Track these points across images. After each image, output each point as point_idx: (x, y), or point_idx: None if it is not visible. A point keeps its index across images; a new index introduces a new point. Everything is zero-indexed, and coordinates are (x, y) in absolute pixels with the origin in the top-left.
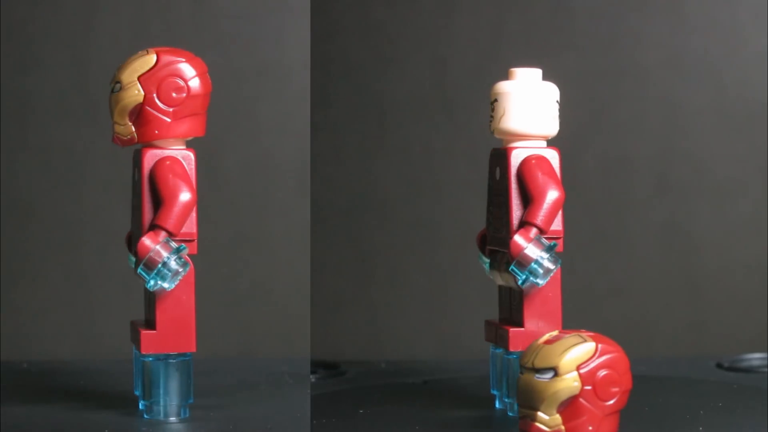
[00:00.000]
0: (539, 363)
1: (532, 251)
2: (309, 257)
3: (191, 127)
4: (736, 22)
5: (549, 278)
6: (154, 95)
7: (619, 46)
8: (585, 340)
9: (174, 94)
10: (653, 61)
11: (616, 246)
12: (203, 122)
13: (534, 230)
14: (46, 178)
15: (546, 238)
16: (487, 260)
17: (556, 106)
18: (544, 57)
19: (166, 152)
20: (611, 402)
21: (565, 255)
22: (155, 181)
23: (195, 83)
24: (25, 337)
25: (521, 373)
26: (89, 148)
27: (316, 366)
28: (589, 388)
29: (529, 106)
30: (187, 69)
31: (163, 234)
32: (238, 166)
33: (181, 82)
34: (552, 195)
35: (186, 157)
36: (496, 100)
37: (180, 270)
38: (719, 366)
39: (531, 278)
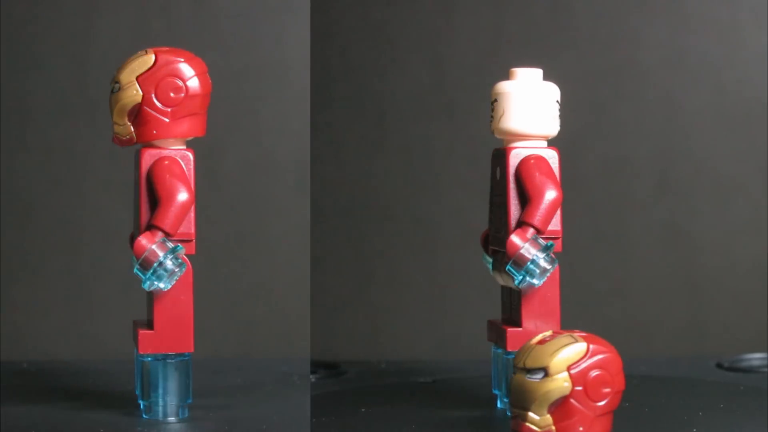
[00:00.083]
0: (530, 363)
1: (528, 251)
2: (309, 257)
3: (190, 127)
4: (736, 22)
5: (546, 278)
6: (153, 95)
7: (619, 46)
8: (576, 341)
9: (172, 94)
10: (653, 61)
11: (616, 246)
12: (203, 122)
13: (531, 230)
14: (46, 178)
15: (543, 238)
16: (491, 260)
17: (557, 106)
18: (544, 57)
19: (164, 152)
20: (603, 403)
21: (565, 255)
22: (153, 181)
23: (194, 83)
24: (25, 337)
25: (514, 373)
26: (89, 148)
27: (316, 366)
28: (579, 388)
29: (529, 106)
30: (185, 69)
31: (159, 234)
32: (238, 166)
33: (180, 82)
34: (550, 195)
35: (184, 157)
36: (496, 100)
37: (176, 270)
38: (719, 366)
39: (527, 278)
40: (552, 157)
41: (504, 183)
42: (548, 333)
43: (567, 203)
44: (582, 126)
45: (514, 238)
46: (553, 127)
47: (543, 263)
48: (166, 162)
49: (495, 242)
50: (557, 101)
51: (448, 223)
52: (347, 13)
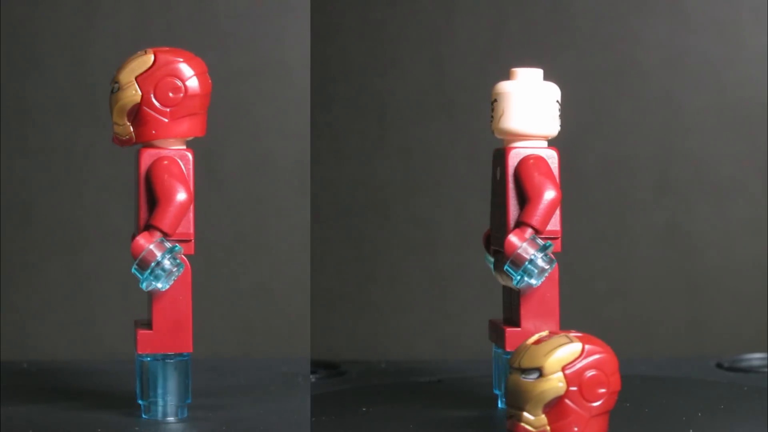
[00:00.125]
0: (525, 363)
1: (526, 251)
2: (309, 257)
3: (190, 127)
4: (736, 22)
5: (544, 278)
6: (152, 95)
7: (619, 46)
8: (571, 341)
9: (171, 94)
10: (653, 61)
11: (616, 246)
12: (203, 122)
13: (529, 230)
14: (46, 178)
15: (542, 238)
16: (492, 260)
17: (557, 106)
18: (544, 57)
19: (163, 152)
20: (598, 403)
21: (564, 255)
22: (151, 181)
23: (193, 83)
24: (25, 337)
25: (509, 373)
26: (89, 148)
27: (316, 366)
28: (574, 389)
29: (530, 106)
30: (184, 69)
31: (157, 234)
32: (238, 166)
33: (179, 82)
34: (548, 195)
35: (183, 157)
36: (496, 100)
37: (174, 270)
38: (719, 366)
39: (525, 278)
40: (551, 157)
41: (503, 183)
42: (544, 333)
43: (567, 203)
44: (582, 126)
45: (512, 238)
46: (553, 127)
47: (541, 263)
48: (165, 162)
49: (496, 242)
50: (557, 101)
51: (448, 223)
52: (347, 13)
